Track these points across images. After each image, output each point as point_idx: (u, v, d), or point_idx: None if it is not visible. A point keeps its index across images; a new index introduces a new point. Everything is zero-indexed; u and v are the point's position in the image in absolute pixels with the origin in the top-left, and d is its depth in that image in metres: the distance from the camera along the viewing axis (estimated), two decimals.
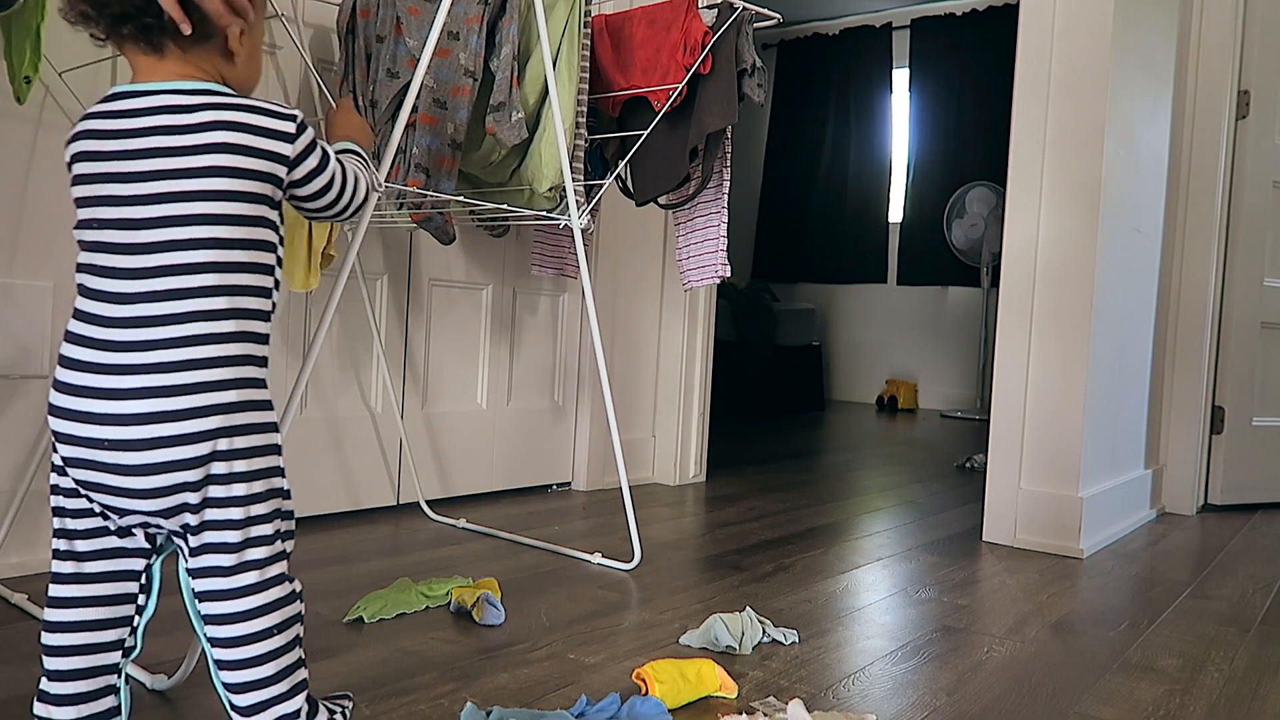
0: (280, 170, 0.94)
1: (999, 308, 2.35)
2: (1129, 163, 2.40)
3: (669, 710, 1.18)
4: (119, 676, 0.97)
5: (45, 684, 0.94)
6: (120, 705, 0.98)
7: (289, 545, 0.97)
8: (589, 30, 1.93)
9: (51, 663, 0.94)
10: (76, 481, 0.90)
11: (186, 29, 0.92)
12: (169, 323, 0.88)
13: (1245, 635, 1.66)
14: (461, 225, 2.33)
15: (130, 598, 0.96)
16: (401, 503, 2.30)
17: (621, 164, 2.02)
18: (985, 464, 2.39)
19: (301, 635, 0.96)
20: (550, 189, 1.87)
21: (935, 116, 6.32)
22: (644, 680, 1.22)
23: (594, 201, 1.99)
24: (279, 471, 0.96)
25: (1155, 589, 1.95)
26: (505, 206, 1.86)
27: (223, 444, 0.89)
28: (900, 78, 6.54)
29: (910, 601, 1.77)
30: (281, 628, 0.93)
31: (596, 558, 1.90)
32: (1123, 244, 2.41)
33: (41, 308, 1.63)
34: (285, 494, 0.96)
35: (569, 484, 2.72)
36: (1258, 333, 2.93)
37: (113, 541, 0.95)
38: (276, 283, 0.98)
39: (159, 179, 0.89)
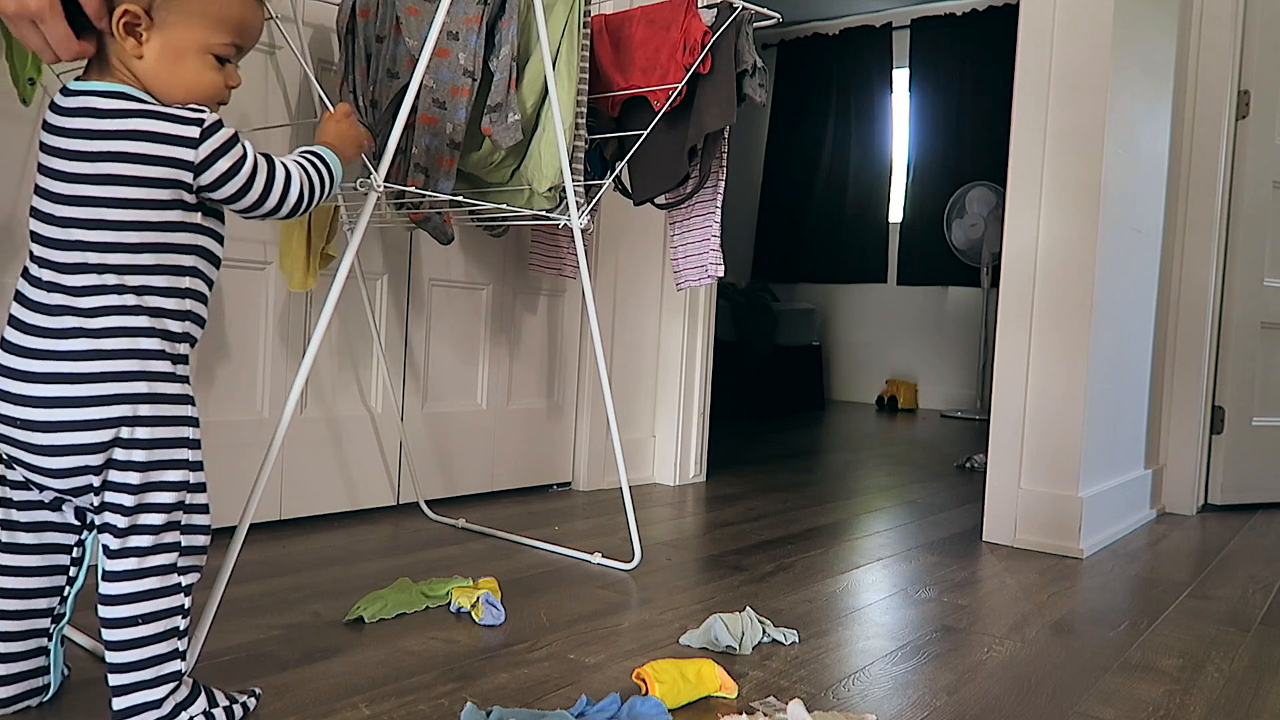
0: (185, 175, 0.95)
1: (999, 308, 2.35)
2: (1129, 163, 2.40)
3: (669, 710, 1.18)
4: (50, 640, 1.05)
5: None
6: (49, 665, 1.06)
7: (191, 540, 0.99)
8: (588, 30, 1.93)
9: None
10: (4, 454, 0.96)
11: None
12: (79, 314, 0.92)
13: (1245, 635, 1.66)
14: (461, 225, 2.33)
15: (62, 569, 1.04)
16: (401, 503, 2.30)
17: (621, 164, 2.02)
18: (985, 464, 2.39)
19: (181, 628, 0.99)
20: (550, 189, 1.87)
21: (935, 116, 6.32)
22: (644, 680, 1.22)
23: (594, 202, 1.99)
24: (184, 465, 0.98)
25: (1155, 589, 1.95)
26: (504, 207, 1.86)
27: (125, 432, 0.93)
28: (900, 78, 6.54)
29: (910, 601, 1.77)
30: (150, 618, 0.96)
31: (596, 558, 1.91)
32: (1123, 244, 2.41)
33: None
34: (191, 488, 0.98)
35: (569, 484, 2.72)
36: (1258, 333, 2.93)
37: (46, 515, 1.01)
38: (208, 283, 1.01)
39: (72, 181, 0.93)
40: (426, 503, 2.30)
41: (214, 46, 0.98)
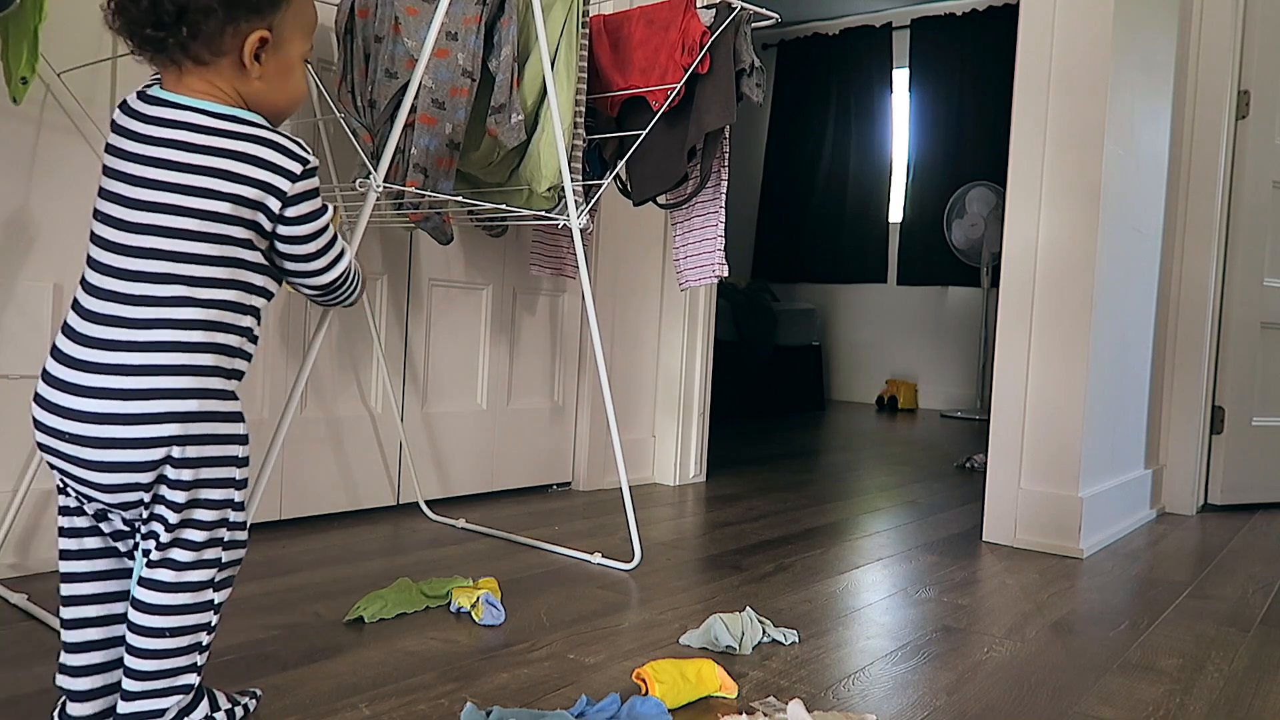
0: (272, 202, 0.95)
1: (999, 308, 2.35)
2: (1129, 163, 2.40)
3: (669, 710, 1.18)
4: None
5: (64, 656, 0.99)
6: None
7: (226, 555, 0.98)
8: (587, 30, 1.93)
9: (69, 635, 0.99)
10: (49, 466, 0.95)
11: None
12: (137, 327, 0.90)
13: (1245, 635, 1.66)
14: (461, 225, 2.33)
15: (128, 573, 1.01)
16: (401, 503, 2.30)
17: (620, 164, 2.02)
18: (985, 464, 2.39)
19: (204, 643, 0.98)
20: (549, 189, 1.87)
21: (935, 116, 6.32)
22: (644, 680, 1.22)
23: (593, 201, 1.99)
24: (230, 483, 0.97)
25: (1155, 589, 1.95)
26: (504, 207, 1.86)
27: (176, 451, 0.91)
28: (900, 78, 6.54)
29: (910, 601, 1.77)
30: (177, 633, 0.94)
31: (596, 558, 1.90)
32: (1123, 244, 2.41)
33: (41, 308, 1.63)
34: (234, 506, 0.98)
35: (569, 484, 2.72)
36: (1258, 333, 2.93)
37: (102, 524, 0.99)
38: (259, 307, 1.00)
39: (157, 189, 0.92)
40: (426, 503, 2.30)
41: (306, 54, 1.03)
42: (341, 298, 1.11)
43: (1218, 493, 2.92)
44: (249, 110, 0.97)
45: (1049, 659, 1.48)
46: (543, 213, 1.89)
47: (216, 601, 0.98)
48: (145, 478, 0.91)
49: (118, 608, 0.99)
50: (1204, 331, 2.83)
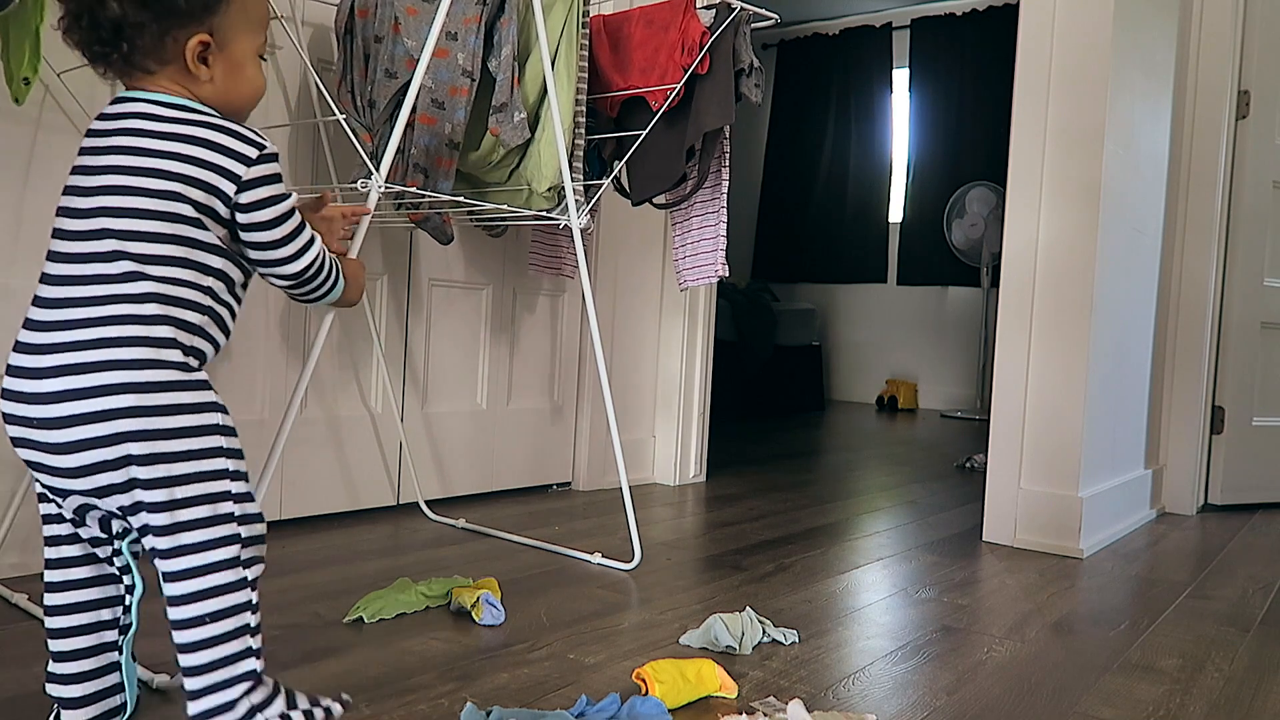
0: (226, 185, 0.94)
1: (999, 308, 2.35)
2: (1129, 163, 2.40)
3: (669, 710, 1.18)
4: (120, 653, 1.01)
5: (52, 665, 0.99)
6: (123, 681, 1.01)
7: (245, 530, 0.95)
8: (587, 30, 1.93)
9: (55, 644, 0.98)
10: (24, 462, 0.93)
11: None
12: (88, 304, 0.90)
13: (1245, 635, 1.66)
14: (461, 225, 2.33)
15: (114, 578, 1.00)
16: (401, 503, 2.30)
17: (620, 164, 2.02)
18: (985, 464, 2.39)
19: (252, 624, 0.94)
20: (549, 189, 1.88)
21: (935, 116, 6.32)
22: (644, 680, 1.22)
23: (593, 201, 1.99)
24: (220, 453, 0.94)
25: (1155, 589, 1.95)
26: (504, 207, 1.86)
27: (138, 423, 0.89)
28: (900, 78, 6.54)
29: (910, 601, 1.77)
30: (216, 617, 0.92)
31: (596, 558, 1.90)
32: (1123, 244, 2.41)
33: None
34: (234, 475, 0.95)
35: (569, 484, 2.72)
36: (1258, 333, 2.93)
37: (80, 530, 0.98)
38: (213, 288, 0.97)
39: (108, 173, 0.93)
40: (426, 503, 2.30)
41: (259, 47, 1.02)
42: (316, 290, 1.08)
43: (1218, 493, 2.92)
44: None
45: (1049, 659, 1.49)
46: (543, 213, 1.89)
47: (250, 578, 0.94)
48: (109, 454, 0.89)
49: (103, 614, 0.99)
50: (1204, 331, 2.83)
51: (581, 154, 1.90)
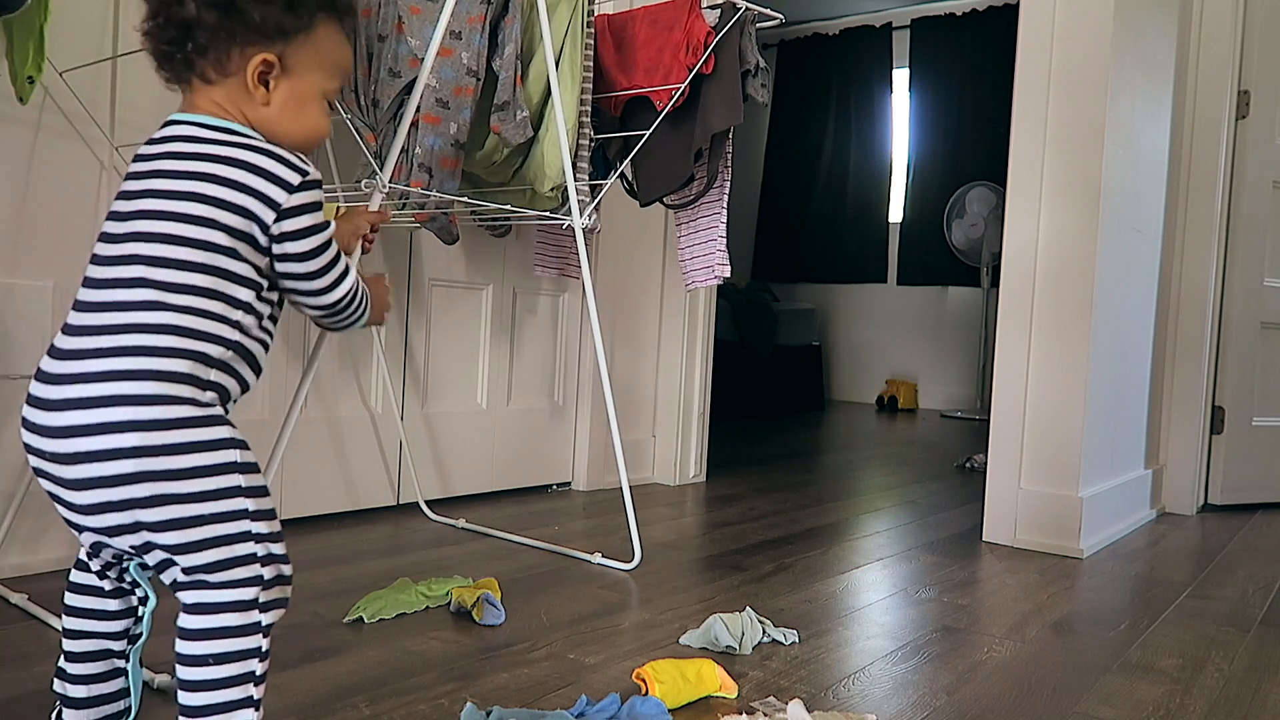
0: (265, 213, 0.90)
1: (999, 308, 2.35)
2: (1129, 163, 2.40)
3: (669, 710, 1.18)
4: (126, 661, 1.00)
5: (62, 661, 0.98)
6: (129, 687, 1.01)
7: (268, 571, 0.91)
8: (592, 30, 1.93)
9: (67, 644, 0.98)
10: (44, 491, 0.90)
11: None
12: (102, 333, 0.86)
13: (1245, 635, 1.66)
14: (462, 225, 2.33)
15: (129, 591, 0.99)
16: (401, 503, 2.30)
17: (624, 164, 2.02)
18: (985, 464, 2.39)
19: (257, 673, 0.91)
20: (553, 189, 1.88)
21: (935, 116, 6.32)
22: (644, 680, 1.22)
23: (596, 201, 1.99)
24: (237, 492, 0.89)
25: (1155, 589, 1.95)
26: (508, 207, 1.86)
27: (144, 464, 0.84)
28: (900, 78, 6.54)
29: (910, 601, 1.77)
30: (222, 659, 0.89)
31: (596, 558, 1.91)
32: (1123, 244, 2.41)
33: (41, 308, 1.63)
34: (253, 515, 0.90)
35: (569, 484, 2.72)
36: (1258, 333, 2.93)
37: (110, 572, 0.96)
38: (242, 322, 0.92)
39: (145, 198, 0.90)
40: (426, 503, 2.30)
41: (329, 92, 1.00)
42: (348, 319, 1.05)
43: (1218, 493, 2.92)
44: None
45: (1049, 659, 1.49)
46: (547, 213, 1.89)
47: (264, 623, 0.91)
48: (114, 494, 0.85)
49: (116, 625, 0.98)
50: (1204, 331, 2.84)
51: (586, 154, 1.89)
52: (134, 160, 0.95)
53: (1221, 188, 2.82)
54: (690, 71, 1.91)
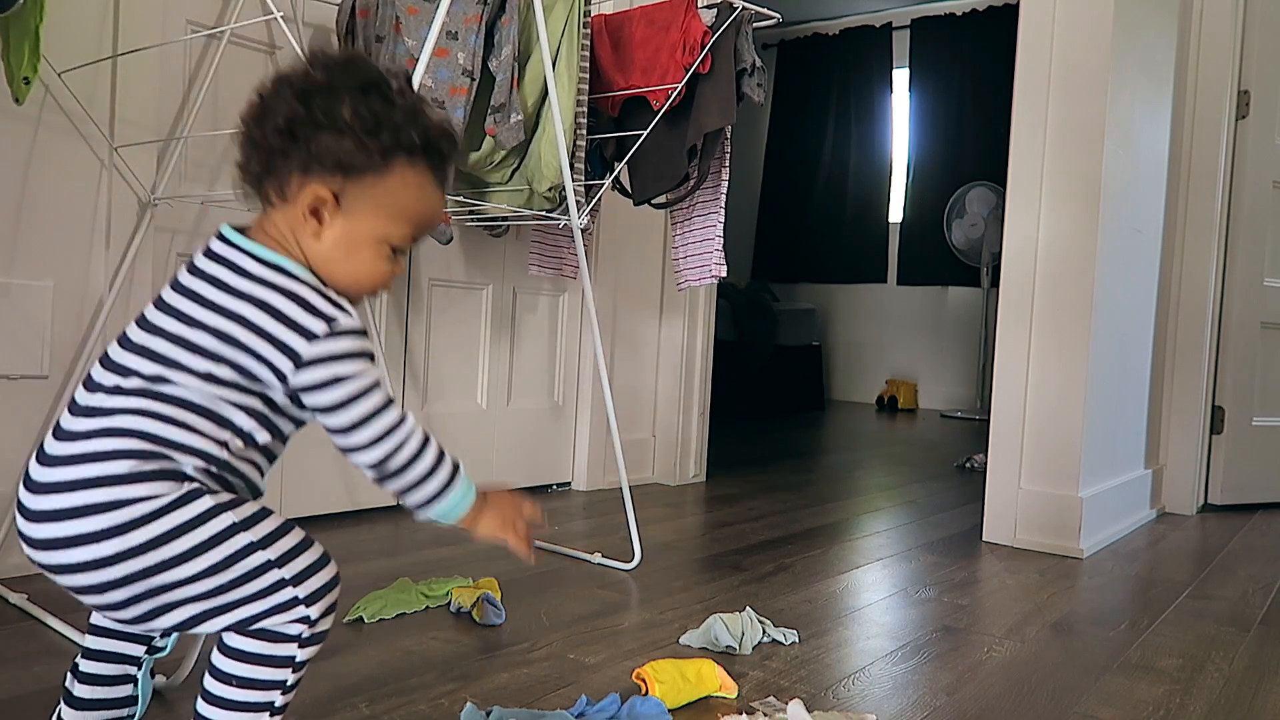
0: (282, 362, 0.85)
1: (999, 308, 2.35)
2: (1129, 163, 2.40)
3: (669, 710, 1.18)
4: (139, 669, 1.00)
5: (79, 657, 0.98)
6: (137, 695, 1.00)
7: (315, 610, 0.88)
8: (588, 30, 1.93)
9: (88, 640, 0.98)
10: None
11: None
12: (80, 439, 0.84)
13: (1245, 635, 1.66)
14: (461, 225, 2.33)
15: None
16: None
17: (621, 164, 2.02)
18: (985, 464, 2.39)
19: (276, 704, 0.89)
20: (550, 189, 1.87)
21: (935, 116, 6.32)
22: (644, 680, 1.22)
23: (594, 201, 1.99)
24: (249, 550, 0.85)
25: (1155, 589, 1.95)
26: (505, 207, 1.86)
27: (128, 567, 0.81)
28: (900, 78, 6.54)
29: (910, 601, 1.77)
30: (246, 684, 0.88)
31: (596, 558, 1.90)
32: (1123, 244, 2.41)
33: (41, 308, 1.63)
34: (279, 562, 0.87)
35: (569, 484, 2.72)
36: (1258, 333, 2.93)
37: None
38: (230, 442, 0.88)
39: (171, 315, 0.87)
40: None
41: (394, 238, 0.91)
42: (408, 490, 0.93)
43: (1218, 493, 2.92)
44: (306, 266, 0.90)
45: (1049, 659, 1.48)
46: (544, 213, 1.89)
47: (299, 659, 0.88)
48: (117, 596, 0.83)
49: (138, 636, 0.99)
50: (1204, 331, 2.83)
51: (583, 154, 1.89)
52: (185, 269, 0.90)
53: (1221, 188, 2.82)
54: (687, 71, 1.91)
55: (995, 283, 5.71)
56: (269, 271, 0.87)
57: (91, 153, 1.68)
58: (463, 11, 1.76)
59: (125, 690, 0.99)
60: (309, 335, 0.85)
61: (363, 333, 0.88)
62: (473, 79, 1.77)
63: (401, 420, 0.90)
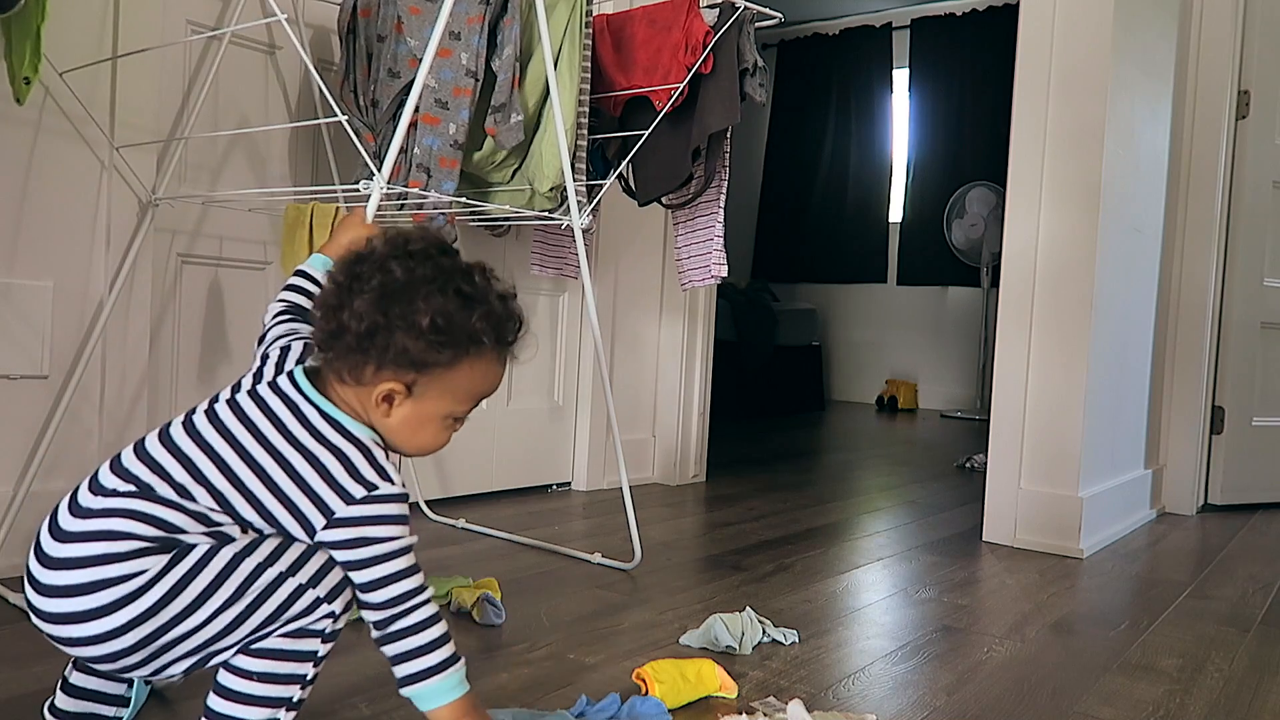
0: (315, 516, 0.89)
1: (999, 308, 2.35)
2: (1129, 163, 2.40)
3: (669, 710, 1.18)
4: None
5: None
6: (130, 697, 1.02)
7: (339, 604, 0.91)
8: (590, 30, 1.93)
9: None
10: None
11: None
12: (106, 495, 0.87)
13: (1245, 635, 1.66)
14: (462, 225, 2.33)
15: None
16: None
17: (623, 164, 2.02)
18: (985, 464, 2.39)
19: (294, 699, 0.91)
20: (551, 189, 1.87)
21: (935, 116, 6.32)
22: (644, 680, 1.22)
23: (595, 201, 1.99)
24: (259, 571, 0.87)
25: (1155, 589, 1.95)
26: (507, 207, 1.86)
27: (149, 626, 0.84)
28: (900, 78, 6.54)
29: (910, 601, 1.77)
30: (264, 678, 0.89)
31: (596, 558, 1.91)
32: (1123, 244, 2.41)
33: (41, 308, 1.63)
34: (291, 569, 0.89)
35: (569, 484, 2.72)
36: (1258, 333, 2.93)
37: None
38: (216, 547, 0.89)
39: (222, 437, 0.90)
40: (426, 503, 2.30)
41: (457, 413, 0.97)
42: (399, 648, 0.92)
43: (1218, 493, 2.92)
44: (367, 427, 0.94)
45: (1049, 659, 1.49)
46: (545, 213, 1.89)
47: (320, 654, 0.92)
48: (120, 644, 0.85)
49: None
50: (1204, 331, 2.83)
51: (584, 154, 1.89)
52: (252, 389, 0.93)
53: (1221, 188, 2.82)
54: (689, 71, 1.91)
55: (995, 283, 5.71)
56: (328, 427, 0.91)
57: (91, 153, 1.68)
58: (465, 11, 1.76)
59: (120, 687, 1.01)
60: (347, 497, 0.89)
61: (404, 498, 0.92)
62: (476, 79, 1.77)
63: (419, 589, 0.92)
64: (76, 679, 0.99)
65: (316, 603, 0.89)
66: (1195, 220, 2.83)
